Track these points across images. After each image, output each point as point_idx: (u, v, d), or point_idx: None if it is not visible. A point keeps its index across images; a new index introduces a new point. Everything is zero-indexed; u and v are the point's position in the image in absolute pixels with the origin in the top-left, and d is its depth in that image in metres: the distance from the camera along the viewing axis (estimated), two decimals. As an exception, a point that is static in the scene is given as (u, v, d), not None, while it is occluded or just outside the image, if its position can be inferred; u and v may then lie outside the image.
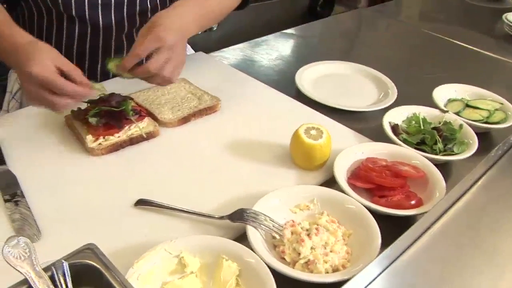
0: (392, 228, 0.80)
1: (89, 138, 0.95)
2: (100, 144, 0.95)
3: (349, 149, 0.98)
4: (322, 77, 1.32)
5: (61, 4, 1.09)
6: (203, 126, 1.07)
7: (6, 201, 0.84)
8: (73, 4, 1.10)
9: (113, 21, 1.16)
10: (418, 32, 1.77)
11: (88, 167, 0.93)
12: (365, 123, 1.16)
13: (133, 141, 0.98)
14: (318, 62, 1.35)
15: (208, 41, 1.99)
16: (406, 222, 0.86)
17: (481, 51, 1.62)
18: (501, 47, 1.69)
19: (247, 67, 1.37)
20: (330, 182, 0.94)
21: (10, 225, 0.80)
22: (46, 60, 0.88)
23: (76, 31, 1.16)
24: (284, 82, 1.28)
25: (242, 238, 0.79)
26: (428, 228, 0.87)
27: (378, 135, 1.07)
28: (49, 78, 0.87)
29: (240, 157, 0.98)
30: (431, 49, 1.65)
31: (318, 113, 1.14)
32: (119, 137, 0.97)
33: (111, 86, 1.08)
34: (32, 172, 0.91)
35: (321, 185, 0.93)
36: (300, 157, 0.95)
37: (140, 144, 1.00)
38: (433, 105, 1.16)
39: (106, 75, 1.23)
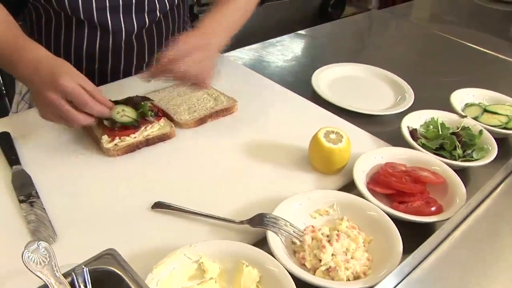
0: (412, 234, 0.79)
1: (105, 138, 0.94)
2: (116, 145, 0.94)
3: (368, 154, 0.96)
4: (338, 79, 1.30)
5: (69, 8, 1.08)
6: (220, 127, 1.05)
7: (21, 201, 0.83)
8: (80, 8, 1.08)
9: (122, 23, 1.15)
10: (430, 34, 1.76)
11: (104, 168, 0.92)
12: (382, 126, 1.14)
13: (149, 142, 0.97)
14: (334, 64, 1.33)
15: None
16: (425, 229, 0.86)
17: (495, 54, 1.60)
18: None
19: (262, 68, 1.36)
20: (349, 186, 0.93)
21: (26, 226, 0.79)
22: (72, 73, 0.87)
23: (85, 33, 1.14)
24: (299, 83, 1.27)
25: (261, 243, 0.79)
26: (448, 235, 0.86)
27: (396, 140, 1.05)
28: (75, 89, 0.86)
29: (258, 159, 0.97)
30: (444, 51, 1.64)
31: (335, 116, 1.12)
32: (135, 138, 0.96)
33: (125, 85, 1.07)
34: (47, 172, 0.90)
35: (340, 189, 0.92)
36: (319, 161, 0.94)
37: (157, 145, 0.98)
38: (451, 109, 1.15)
39: (116, 77, 1.22)
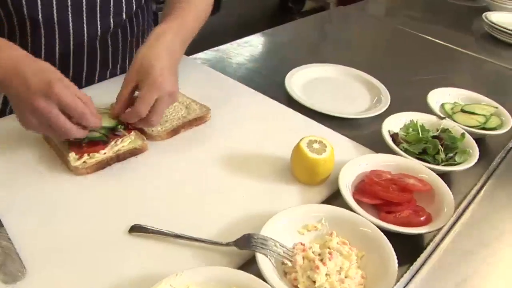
0: (400, 243, 0.76)
1: (72, 156, 0.86)
2: (84, 162, 0.87)
3: (352, 162, 0.93)
4: (312, 81, 1.26)
5: (26, 6, 0.98)
6: (194, 138, 0.99)
7: (-18, 232, 0.75)
8: (39, 7, 0.99)
9: (85, 26, 1.06)
10: (394, 29, 1.74)
11: (73, 189, 0.85)
12: (358, 130, 1.11)
13: (120, 157, 0.90)
14: (306, 65, 1.29)
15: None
16: (413, 238, 0.84)
17: (464, 51, 1.60)
18: (483, 47, 1.68)
19: (231, 70, 1.30)
20: (334, 196, 0.90)
21: (-11, 260, 0.71)
22: (63, 80, 0.80)
23: (43, 38, 1.05)
24: (271, 86, 1.22)
25: (249, 263, 0.75)
26: (438, 244, 0.84)
27: (374, 144, 1.03)
28: (74, 101, 0.80)
29: (238, 172, 0.91)
30: (411, 47, 1.63)
31: (314, 121, 1.08)
32: (105, 153, 0.88)
33: (91, 92, 0.99)
34: (9, 195, 0.82)
35: (325, 200, 0.88)
36: (303, 172, 0.90)
37: (128, 160, 0.91)
38: (427, 110, 1.13)
39: (77, 86, 1.12)
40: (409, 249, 0.81)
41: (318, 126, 1.07)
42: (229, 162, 0.93)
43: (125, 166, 0.90)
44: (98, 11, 1.06)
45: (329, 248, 0.78)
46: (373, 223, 0.80)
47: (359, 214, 0.82)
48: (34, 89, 0.77)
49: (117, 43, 1.15)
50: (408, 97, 1.25)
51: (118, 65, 1.19)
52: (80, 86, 1.08)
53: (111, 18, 1.09)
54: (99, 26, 1.08)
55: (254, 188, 0.89)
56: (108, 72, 1.18)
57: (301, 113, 1.12)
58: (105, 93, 1.00)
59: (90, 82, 1.15)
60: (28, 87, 0.77)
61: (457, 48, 1.61)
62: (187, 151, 0.96)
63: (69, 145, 0.88)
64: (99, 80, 1.16)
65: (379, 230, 0.79)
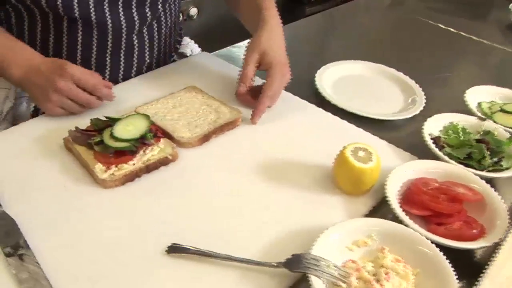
0: (450, 258, 0.71)
1: (98, 167, 0.80)
2: (112, 174, 0.80)
3: (398, 169, 0.87)
4: (342, 79, 1.20)
5: (61, 6, 0.93)
6: (226, 145, 0.93)
7: (8, 255, 0.69)
8: (75, 4, 0.94)
9: (123, 19, 1.01)
10: (417, 22, 1.67)
11: (101, 203, 0.78)
12: (391, 132, 1.05)
13: (149, 168, 0.83)
14: (335, 62, 1.22)
15: (189, 29, 1.81)
16: (465, 252, 0.78)
17: (494, 44, 1.54)
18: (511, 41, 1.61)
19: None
20: (378, 205, 0.85)
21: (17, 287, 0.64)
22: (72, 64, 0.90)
23: (80, 35, 0.99)
24: (300, 85, 1.15)
25: (297, 285, 0.70)
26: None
27: (410, 147, 0.97)
28: (84, 73, 0.89)
29: (276, 182, 0.85)
30: (437, 42, 1.56)
31: (351, 125, 1.02)
32: (134, 164, 0.82)
33: (124, 90, 0.94)
34: (33, 213, 0.76)
35: (371, 211, 0.83)
36: (348, 182, 0.84)
37: (158, 170, 0.85)
38: (464, 109, 1.07)
39: (114, 81, 1.07)
40: (459, 264, 0.75)
41: (356, 130, 1.01)
42: (266, 171, 0.87)
43: (156, 177, 0.84)
44: (133, 2, 1.01)
45: (383, 266, 0.72)
46: (426, 238, 0.74)
47: (410, 227, 0.77)
48: (51, 74, 0.88)
49: (153, 35, 1.10)
50: (441, 95, 1.19)
51: (154, 59, 1.13)
52: (116, 82, 1.07)
53: (147, 8, 1.04)
54: (136, 19, 1.03)
55: (296, 199, 0.83)
56: (144, 67, 1.12)
57: (331, 112, 1.06)
58: (140, 88, 0.96)
59: (127, 77, 1.10)
60: (46, 76, 0.88)
61: (486, 42, 1.54)
62: (220, 159, 0.89)
63: (94, 155, 0.81)
64: (136, 75, 1.11)
65: (434, 247, 0.73)
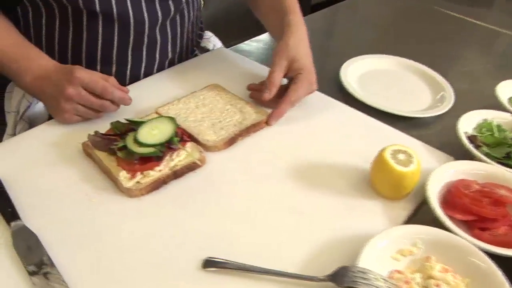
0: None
1: (123, 175, 0.74)
2: (138, 182, 0.75)
3: (438, 171, 0.83)
4: (367, 74, 1.15)
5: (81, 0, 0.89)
6: (254, 148, 0.88)
7: (32, 273, 0.64)
8: None
9: (145, 13, 0.95)
10: (431, 11, 1.61)
11: (128, 214, 0.73)
12: (420, 130, 1.00)
13: (177, 174, 0.78)
14: (360, 56, 1.17)
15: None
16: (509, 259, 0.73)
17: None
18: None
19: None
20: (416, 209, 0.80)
21: (44, 310, 0.60)
22: (83, 68, 0.86)
23: (100, 30, 0.94)
24: (323, 79, 1.10)
25: None
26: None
27: (441, 146, 0.93)
28: (92, 77, 0.84)
29: (312, 187, 0.81)
30: (458, 32, 1.49)
31: (382, 123, 0.97)
32: (160, 171, 0.76)
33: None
34: (56, 226, 0.71)
35: (410, 216, 0.79)
36: (387, 186, 0.79)
37: (186, 177, 0.80)
38: (495, 105, 1.03)
39: (136, 78, 1.03)
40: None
41: (388, 129, 0.96)
42: (299, 176, 0.82)
43: (183, 184, 0.79)
44: None
45: (431, 277, 0.68)
46: (474, 245, 0.70)
47: (457, 234, 0.72)
48: (60, 82, 0.84)
49: (176, 29, 1.05)
50: (469, 90, 1.15)
51: (177, 54, 1.08)
52: (138, 79, 1.02)
53: (170, 1, 0.99)
54: (159, 12, 0.97)
55: (333, 205, 0.78)
56: (167, 63, 1.07)
57: (356, 108, 1.01)
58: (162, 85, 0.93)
59: (149, 74, 1.05)
60: (55, 83, 0.84)
61: (508, 32, 1.49)
62: (249, 163, 0.84)
63: (117, 162, 0.76)
64: (158, 71, 1.06)
65: (486, 256, 0.69)
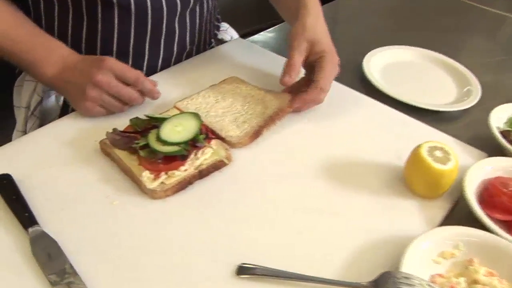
0: None
1: (146, 176, 0.70)
2: (162, 183, 0.70)
3: (474, 168, 0.79)
4: (390, 65, 1.10)
5: None
6: (280, 142, 0.83)
7: (54, 283, 0.59)
8: None
9: (164, 3, 0.90)
10: (456, 3, 1.55)
11: (152, 217, 0.69)
12: (446, 124, 0.95)
13: (202, 173, 0.74)
14: (382, 47, 1.13)
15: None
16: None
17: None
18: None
19: None
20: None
21: (69, 323, 0.55)
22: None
23: (116, 21, 0.89)
24: (343, 71, 1.06)
25: None
26: None
27: (469, 141, 0.89)
28: (125, 66, 0.81)
29: (343, 186, 0.77)
30: (480, 23, 1.44)
31: (411, 118, 0.93)
32: (186, 170, 0.72)
33: (162, 80, 0.85)
34: (76, 231, 0.66)
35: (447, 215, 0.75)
36: (424, 185, 0.75)
37: (211, 176, 0.75)
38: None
39: (153, 71, 0.98)
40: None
41: (417, 124, 0.92)
42: (330, 174, 0.78)
43: (209, 184, 0.74)
44: None
45: (476, 282, 0.64)
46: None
47: (499, 235, 0.69)
48: (89, 69, 0.79)
49: (195, 20, 0.99)
50: (495, 82, 1.10)
51: (195, 46, 1.04)
52: (155, 72, 0.99)
53: None
54: (178, 1, 0.92)
55: (368, 205, 0.74)
56: (184, 54, 1.02)
57: (379, 101, 0.97)
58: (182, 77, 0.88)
59: (166, 66, 1.00)
60: (82, 72, 0.80)
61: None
62: (276, 160, 0.80)
63: (139, 161, 0.72)
64: (176, 63, 1.01)
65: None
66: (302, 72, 0.90)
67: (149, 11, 0.89)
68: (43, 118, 0.97)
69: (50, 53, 0.82)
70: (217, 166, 0.75)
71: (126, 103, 0.83)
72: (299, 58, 0.86)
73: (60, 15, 0.90)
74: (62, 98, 0.97)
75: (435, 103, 0.99)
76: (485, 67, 1.17)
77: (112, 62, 0.79)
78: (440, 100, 1.02)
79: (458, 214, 0.76)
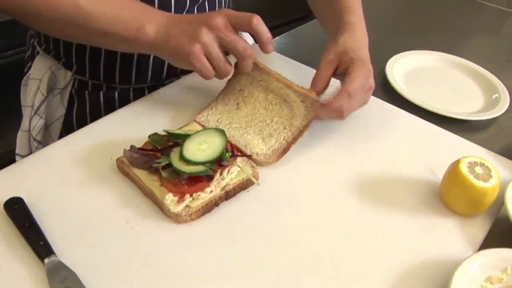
0: None
1: (169, 199, 0.65)
2: (187, 206, 0.65)
3: (514, 183, 0.75)
4: (413, 71, 1.06)
5: None
6: (307, 157, 0.78)
7: (75, 321, 0.53)
8: None
9: None
10: (470, 3, 1.51)
11: (179, 244, 0.64)
12: (472, 134, 0.91)
13: (229, 194, 0.69)
14: (405, 52, 1.08)
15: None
16: None
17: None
18: None
19: (307, 58, 1.03)
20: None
21: None
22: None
23: None
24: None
25: None
26: None
27: (500, 151, 0.85)
28: (223, 22, 0.72)
29: (378, 204, 0.72)
30: (497, 24, 1.40)
31: (441, 129, 0.88)
32: (211, 191, 0.67)
33: (164, 96, 0.79)
34: (96, 261, 0.61)
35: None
36: (464, 203, 0.71)
37: (237, 197, 0.70)
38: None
39: (157, 74, 0.92)
40: None
41: (449, 135, 0.87)
42: (362, 190, 0.74)
43: (236, 205, 0.69)
44: None
45: (527, 309, 0.60)
46: None
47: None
48: (204, 15, 0.73)
49: None
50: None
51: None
52: (160, 75, 0.94)
53: None
54: None
55: (404, 225, 0.70)
56: None
57: (397, 106, 0.93)
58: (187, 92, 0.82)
59: (172, 71, 0.95)
60: (192, 20, 0.73)
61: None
62: (305, 178, 0.75)
63: (161, 182, 0.66)
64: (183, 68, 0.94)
65: None
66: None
67: (155, 6, 0.83)
68: (48, 118, 0.92)
69: (149, 13, 0.75)
70: (244, 185, 0.70)
71: (227, 70, 0.76)
72: (326, 68, 0.80)
73: None
74: (67, 98, 0.92)
75: (462, 111, 0.95)
76: (506, 71, 1.12)
77: (228, 10, 0.73)
78: (467, 108, 0.97)
79: (496, 232, 0.71)
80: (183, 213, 0.64)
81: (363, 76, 0.79)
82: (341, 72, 0.81)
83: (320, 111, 0.77)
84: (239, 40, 0.73)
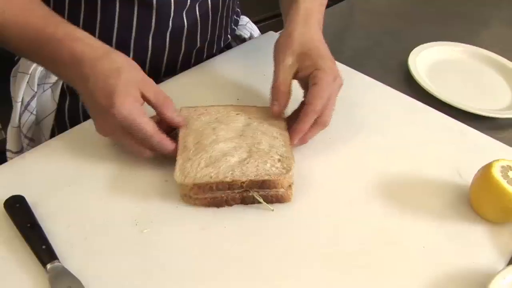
0: None
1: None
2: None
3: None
4: (435, 65, 1.00)
5: None
6: (324, 160, 0.73)
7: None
8: None
9: None
10: None
11: (190, 248, 0.60)
12: (498, 132, 0.86)
13: (246, 201, 0.64)
14: (429, 43, 1.03)
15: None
16: None
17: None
18: None
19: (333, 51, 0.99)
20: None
21: None
22: (131, 88, 0.62)
23: (117, 12, 0.80)
24: (385, 70, 0.96)
25: None
26: None
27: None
28: (128, 118, 0.61)
29: (403, 210, 0.67)
30: None
31: (469, 127, 0.83)
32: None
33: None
34: (101, 266, 0.57)
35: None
36: (495, 209, 0.67)
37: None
38: None
39: (157, 68, 0.88)
40: None
41: (477, 134, 0.82)
42: (385, 194, 0.69)
43: (251, 209, 0.65)
44: None
45: None
46: None
47: None
48: (99, 100, 0.62)
49: (208, 13, 0.89)
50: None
51: (207, 43, 0.93)
52: (159, 70, 0.89)
53: None
54: None
55: (430, 232, 0.65)
56: (194, 52, 0.92)
57: (421, 101, 0.88)
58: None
59: (171, 63, 0.90)
60: (93, 94, 0.62)
61: None
62: (322, 180, 0.70)
63: None
64: (184, 62, 0.91)
65: None
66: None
67: (154, 2, 0.79)
68: (39, 114, 0.87)
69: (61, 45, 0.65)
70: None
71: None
72: (285, 78, 0.70)
73: (55, 3, 0.79)
74: (58, 93, 0.88)
75: (488, 108, 0.90)
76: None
77: (119, 111, 0.61)
78: (493, 104, 0.92)
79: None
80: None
81: (331, 83, 0.69)
82: (303, 77, 0.72)
83: (293, 141, 0.69)
84: (127, 143, 0.65)
